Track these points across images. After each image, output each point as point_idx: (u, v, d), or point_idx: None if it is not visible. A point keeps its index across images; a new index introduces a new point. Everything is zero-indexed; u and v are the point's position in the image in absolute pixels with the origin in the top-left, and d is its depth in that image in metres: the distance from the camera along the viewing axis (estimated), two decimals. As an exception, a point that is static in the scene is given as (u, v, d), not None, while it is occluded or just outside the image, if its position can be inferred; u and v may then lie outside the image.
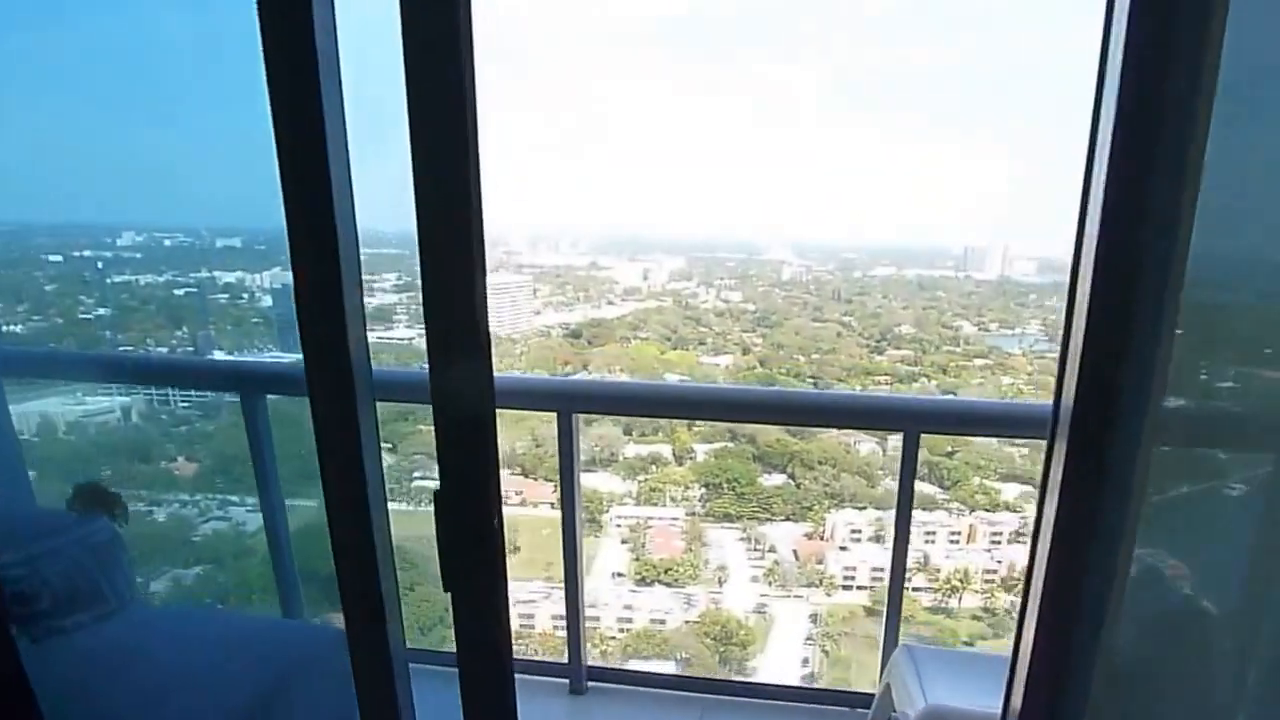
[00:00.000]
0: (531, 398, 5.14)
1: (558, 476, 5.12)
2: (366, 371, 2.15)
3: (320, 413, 2.14)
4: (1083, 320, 2.38)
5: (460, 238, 1.93)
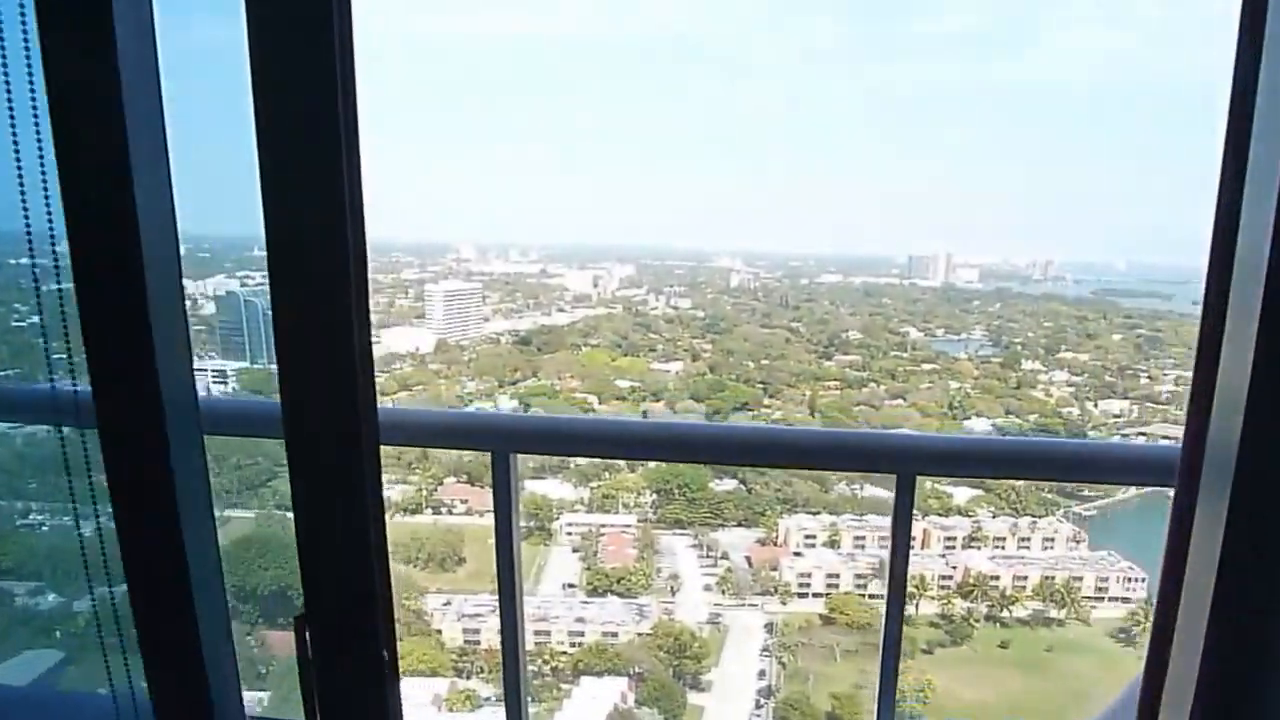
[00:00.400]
0: (463, 435, 4.62)
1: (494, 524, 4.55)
2: (188, 405, 1.81)
3: (113, 459, 1.77)
4: (1245, 345, 1.93)
5: (325, 248, 1.67)
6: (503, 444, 4.25)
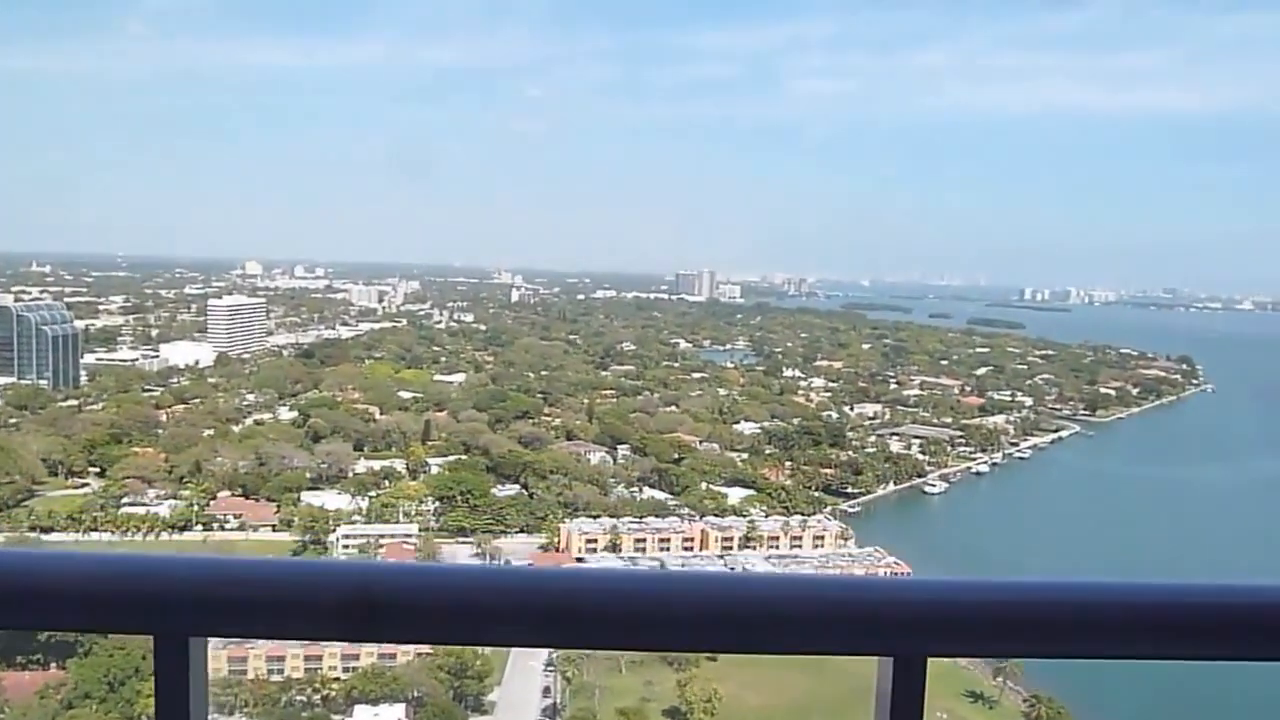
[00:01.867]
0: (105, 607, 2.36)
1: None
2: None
3: None
4: None
5: None
6: (183, 622, 2.30)
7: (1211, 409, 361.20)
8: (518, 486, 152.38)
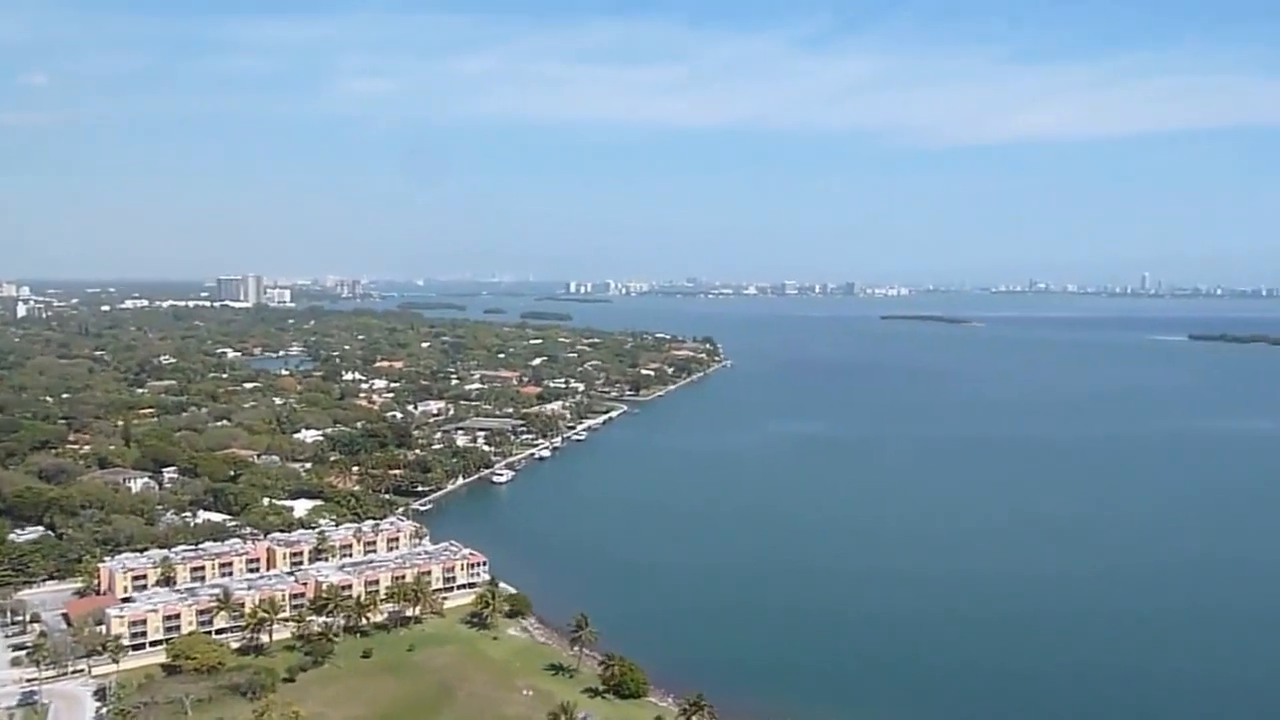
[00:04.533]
0: None
1: None
2: None
3: None
4: None
5: None
6: None
7: (733, 381, 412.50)
8: (41, 528, 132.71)
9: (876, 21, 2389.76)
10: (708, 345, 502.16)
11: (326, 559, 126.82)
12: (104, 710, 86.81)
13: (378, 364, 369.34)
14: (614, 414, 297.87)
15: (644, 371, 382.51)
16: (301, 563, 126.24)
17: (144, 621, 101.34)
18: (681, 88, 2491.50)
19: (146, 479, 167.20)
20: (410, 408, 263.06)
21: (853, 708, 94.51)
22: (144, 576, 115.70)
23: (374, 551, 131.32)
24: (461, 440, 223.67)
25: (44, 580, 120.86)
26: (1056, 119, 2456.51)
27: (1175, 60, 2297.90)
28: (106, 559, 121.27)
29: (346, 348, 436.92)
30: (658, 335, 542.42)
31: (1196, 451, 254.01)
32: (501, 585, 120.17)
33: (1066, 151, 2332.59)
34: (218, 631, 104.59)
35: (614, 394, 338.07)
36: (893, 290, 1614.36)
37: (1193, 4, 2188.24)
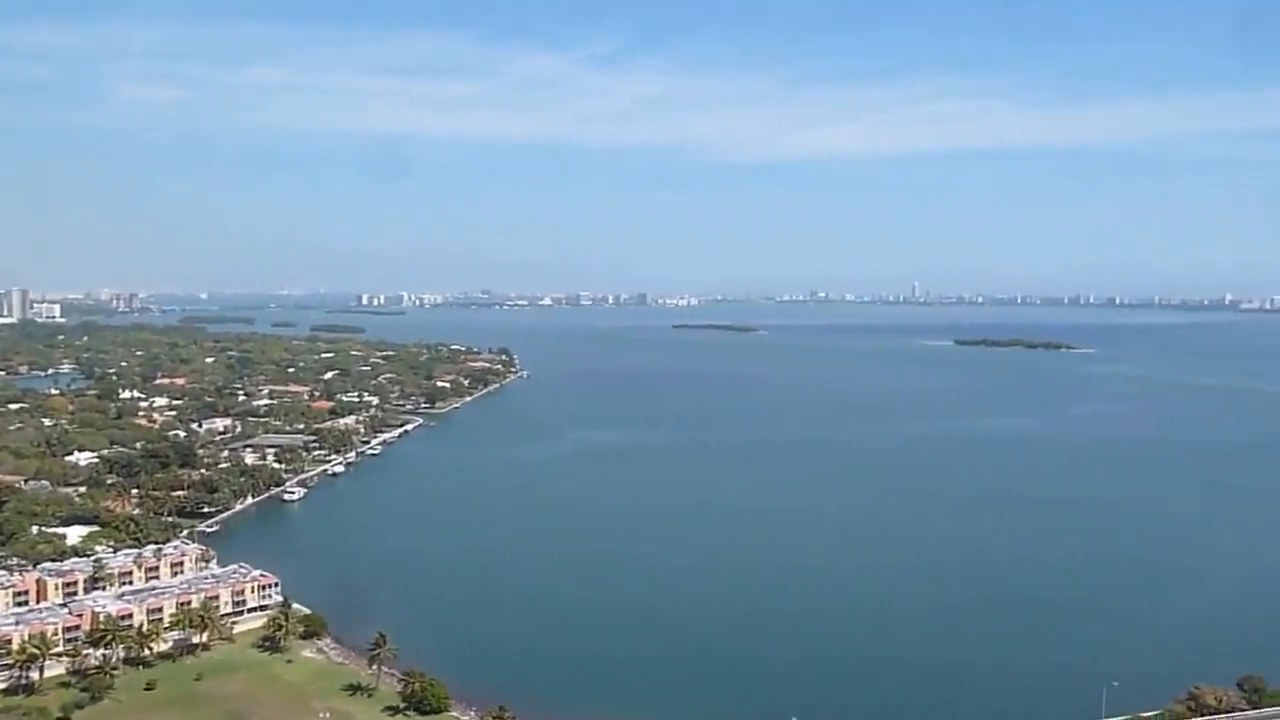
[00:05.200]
0: None
1: None
2: None
3: None
4: None
5: None
6: None
7: (530, 392, 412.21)
8: None
9: (667, 44, 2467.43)
10: (504, 356, 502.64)
11: (104, 588, 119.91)
12: None
13: (158, 381, 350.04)
14: (410, 427, 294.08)
15: (440, 384, 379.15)
16: (76, 593, 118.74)
17: None
18: (478, 103, 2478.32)
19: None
20: (194, 425, 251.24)
21: (650, 708, 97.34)
22: None
23: (157, 578, 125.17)
24: (250, 458, 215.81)
25: None
26: (840, 139, 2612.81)
27: (947, 85, 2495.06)
28: None
29: (124, 364, 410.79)
30: (453, 347, 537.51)
31: (968, 450, 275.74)
32: (295, 606, 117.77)
33: (848, 169, 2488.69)
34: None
35: (409, 407, 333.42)
36: (684, 300, 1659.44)
37: (952, 38, 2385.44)
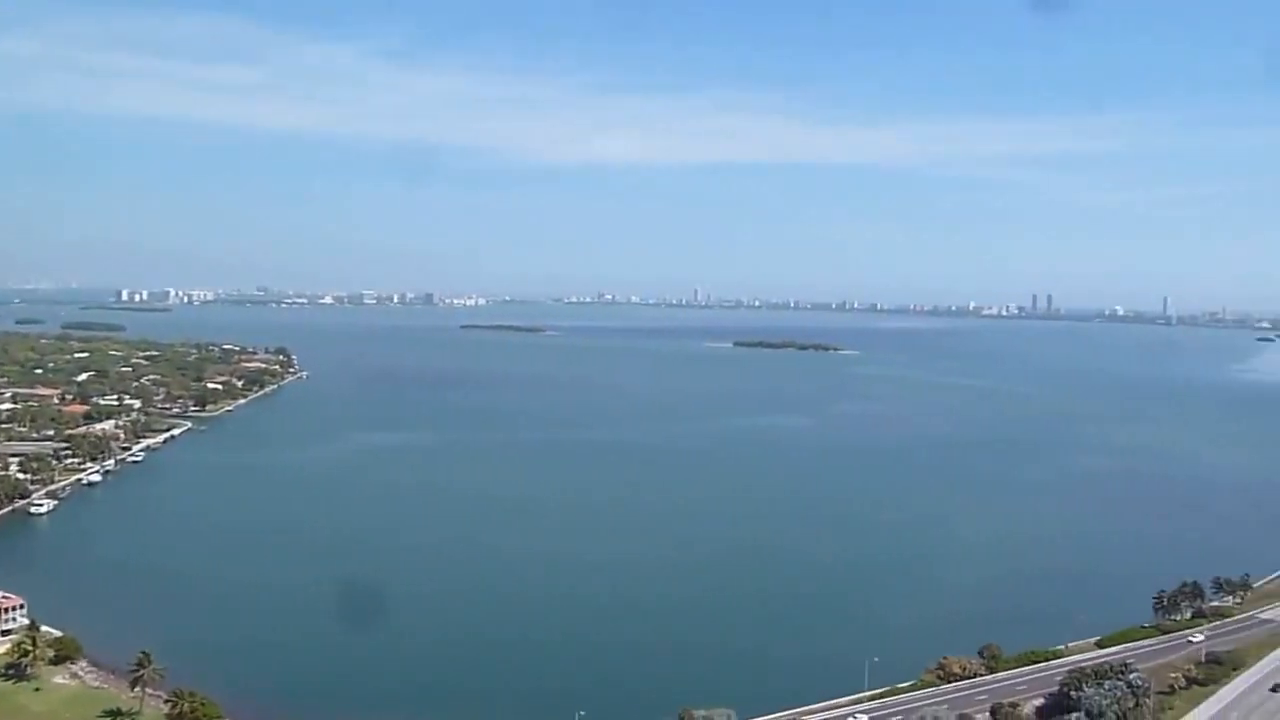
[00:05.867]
0: None
1: None
2: None
3: None
4: None
5: None
6: None
7: (309, 394, 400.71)
8: None
9: (457, 42, 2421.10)
10: (282, 356, 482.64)
11: None
12: None
13: None
14: (176, 432, 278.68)
15: (211, 385, 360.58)
16: None
17: None
18: (261, 90, 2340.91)
19: None
20: None
21: (434, 710, 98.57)
22: None
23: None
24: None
25: None
26: (628, 147, 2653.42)
27: (728, 99, 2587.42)
28: None
29: None
30: (226, 346, 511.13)
31: (745, 447, 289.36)
32: (44, 629, 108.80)
33: (636, 176, 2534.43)
34: None
35: (177, 410, 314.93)
36: (471, 300, 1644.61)
37: (723, 53, 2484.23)
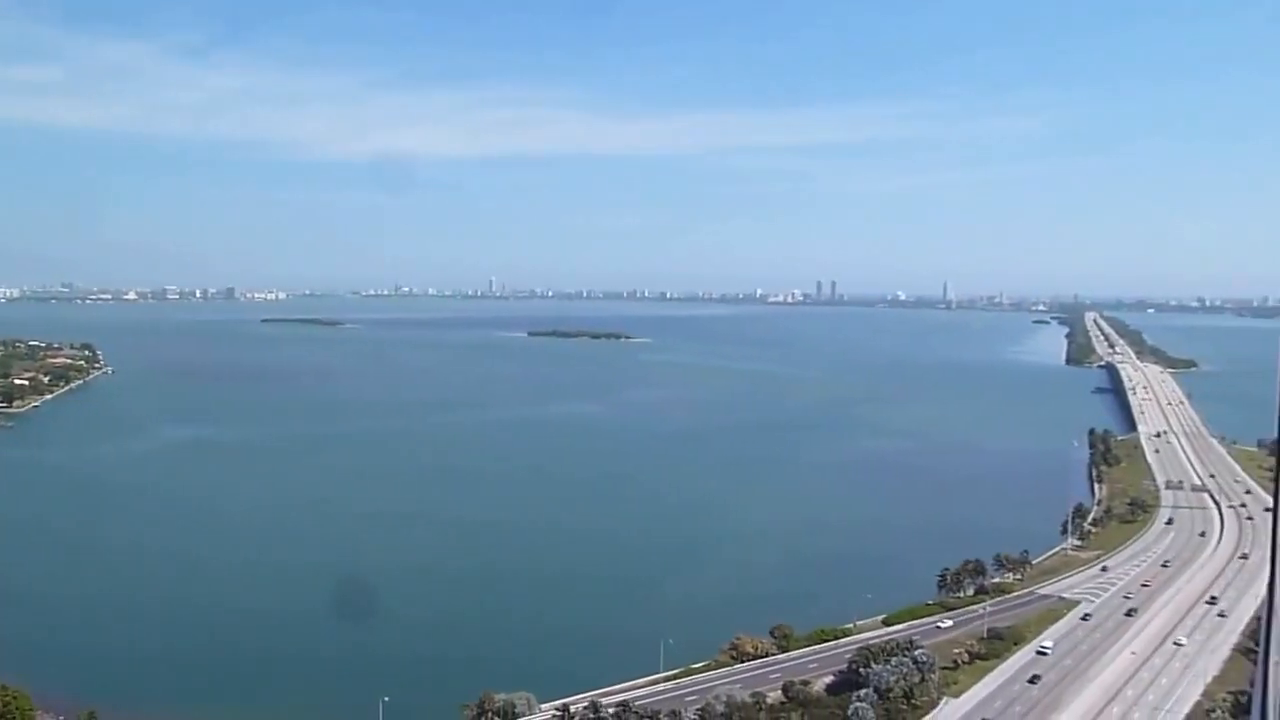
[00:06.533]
0: None
1: None
2: None
3: None
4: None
5: None
6: None
7: (115, 389, 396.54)
8: None
9: (248, 38, 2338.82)
10: (87, 352, 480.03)
11: None
12: None
13: None
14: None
15: (17, 381, 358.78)
16: None
17: None
18: (58, 88, 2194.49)
19: None
20: None
21: (243, 703, 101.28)
22: None
23: None
24: None
25: None
26: (424, 140, 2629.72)
27: (520, 94, 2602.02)
28: None
29: None
30: (31, 343, 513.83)
31: (538, 435, 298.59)
32: None
33: (431, 169, 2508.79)
34: None
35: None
36: (272, 295, 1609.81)
37: (513, 47, 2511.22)
